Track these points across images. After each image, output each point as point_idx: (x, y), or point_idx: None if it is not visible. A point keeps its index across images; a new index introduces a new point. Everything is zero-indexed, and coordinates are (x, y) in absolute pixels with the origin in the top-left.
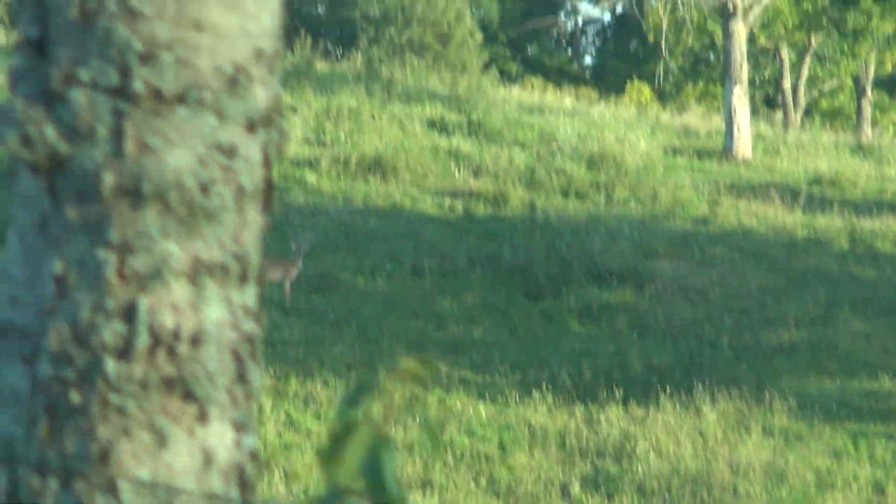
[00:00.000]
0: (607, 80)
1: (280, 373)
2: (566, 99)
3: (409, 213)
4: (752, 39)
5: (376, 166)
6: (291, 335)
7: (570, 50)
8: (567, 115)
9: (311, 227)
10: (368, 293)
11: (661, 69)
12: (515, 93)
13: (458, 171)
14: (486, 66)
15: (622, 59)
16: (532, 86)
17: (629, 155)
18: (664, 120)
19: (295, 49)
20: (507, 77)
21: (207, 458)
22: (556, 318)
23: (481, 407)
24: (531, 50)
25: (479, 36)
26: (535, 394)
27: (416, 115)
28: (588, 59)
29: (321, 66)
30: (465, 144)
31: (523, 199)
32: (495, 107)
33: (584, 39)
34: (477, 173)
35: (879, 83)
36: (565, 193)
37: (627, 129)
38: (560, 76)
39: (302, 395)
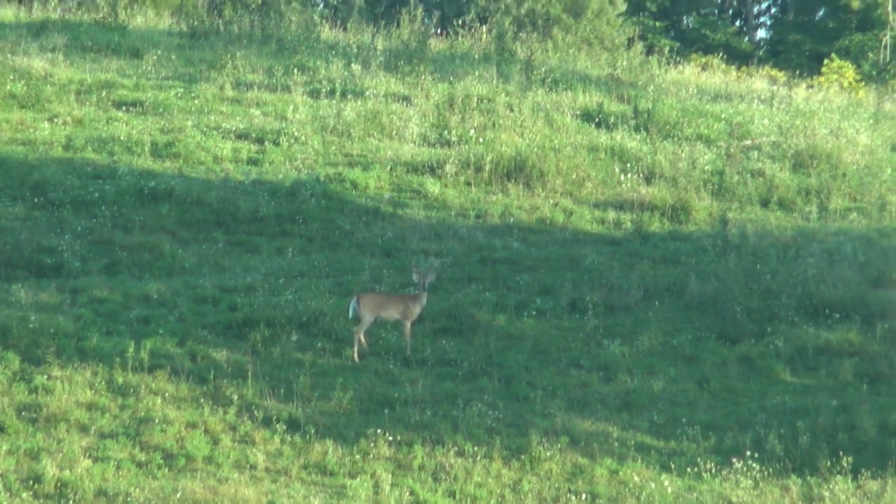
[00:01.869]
0: (788, 58)
1: (402, 440)
2: (756, 81)
3: (563, 232)
4: None
5: (517, 171)
6: (415, 392)
7: (738, 21)
8: (762, 101)
9: (435, 252)
10: (513, 336)
11: (887, 40)
12: (690, 74)
13: (625, 175)
14: (631, 43)
15: (807, 31)
16: (710, 65)
17: (847, 152)
18: (888, 108)
19: (402, 23)
20: (659, 55)
21: None
22: (759, 366)
23: (665, 480)
24: (688, 21)
25: (621, 5)
26: (736, 463)
27: (567, 104)
28: (762, 33)
29: (437, 43)
30: (631, 141)
31: (711, 210)
32: (667, 93)
33: (756, 7)
34: (649, 178)
35: None
36: (765, 203)
37: (842, 120)
38: (727, 54)
39: (430, 468)
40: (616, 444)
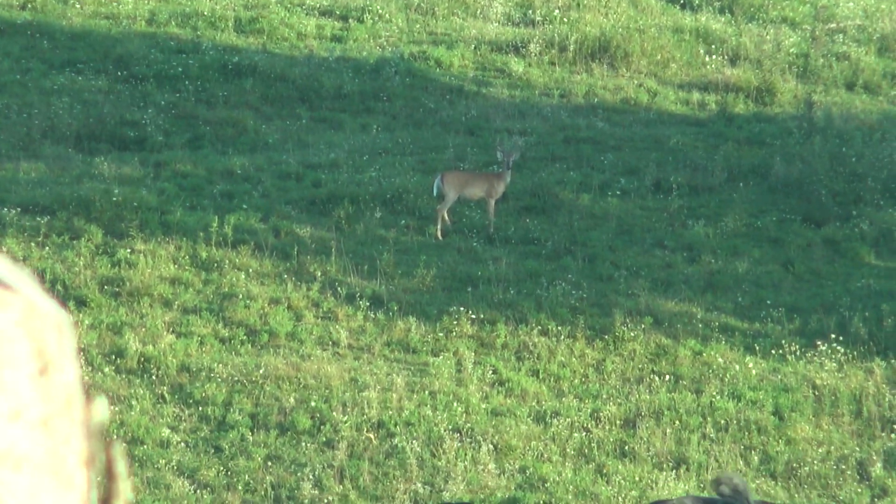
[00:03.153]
0: None
1: (485, 318)
2: None
3: (648, 112)
4: None
5: (602, 51)
6: (498, 270)
7: None
8: None
9: (519, 131)
10: (597, 216)
11: None
12: None
13: (709, 57)
14: None
15: None
16: None
17: None
18: None
19: None
20: None
21: None
22: (844, 249)
23: (750, 362)
24: None
25: None
26: (821, 346)
27: None
28: None
29: None
30: (716, 23)
31: (796, 93)
32: None
33: None
34: (734, 60)
35: None
36: (850, 86)
37: None
38: None
39: (513, 347)
40: (700, 325)
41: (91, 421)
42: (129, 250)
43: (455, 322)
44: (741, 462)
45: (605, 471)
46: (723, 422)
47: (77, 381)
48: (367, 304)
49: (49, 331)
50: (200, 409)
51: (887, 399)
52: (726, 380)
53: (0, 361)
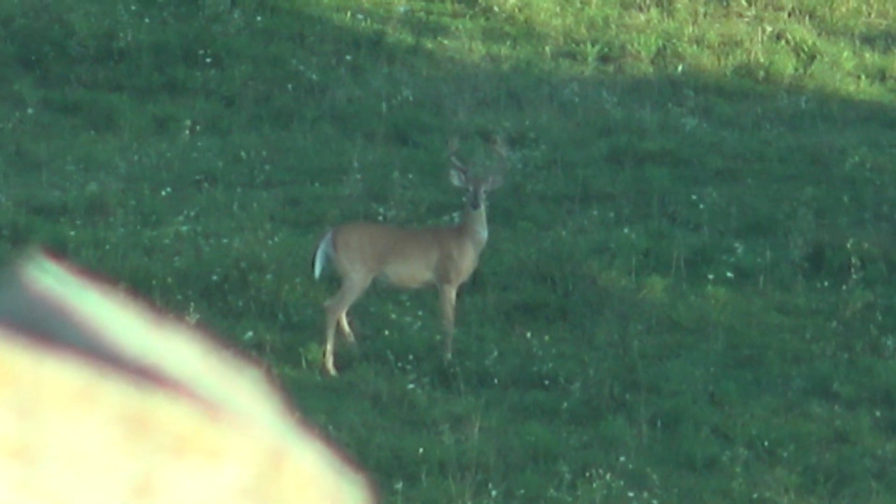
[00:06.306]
0: None
1: None
2: None
3: (794, 95)
4: None
5: None
6: (462, 444)
7: None
8: None
9: (505, 133)
10: (681, 326)
11: None
12: None
13: None
14: None
15: None
16: None
17: None
18: None
19: None
20: None
21: None
22: None
23: None
24: None
25: None
26: None
27: None
28: None
29: None
30: None
31: None
32: None
33: None
34: None
35: None
36: None
37: None
38: None
39: None
40: None
41: None
42: None
43: None
44: None
45: None
46: None
47: None
48: None
49: None
50: None
51: None
52: None
53: None
